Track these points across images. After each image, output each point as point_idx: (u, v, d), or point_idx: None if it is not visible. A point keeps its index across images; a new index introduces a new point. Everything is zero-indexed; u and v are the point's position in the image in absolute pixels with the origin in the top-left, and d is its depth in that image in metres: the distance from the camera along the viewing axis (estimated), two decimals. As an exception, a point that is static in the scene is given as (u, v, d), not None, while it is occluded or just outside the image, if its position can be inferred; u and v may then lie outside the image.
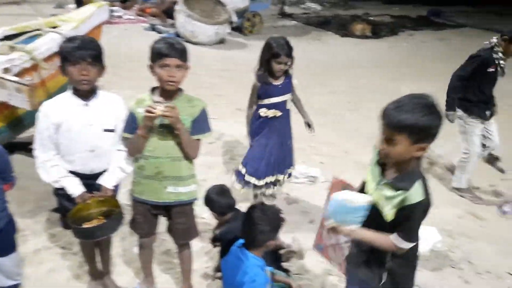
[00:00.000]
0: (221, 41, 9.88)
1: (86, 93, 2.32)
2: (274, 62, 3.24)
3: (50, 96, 4.36)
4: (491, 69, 4.15)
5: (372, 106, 5.34)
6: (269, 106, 3.43)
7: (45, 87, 4.14)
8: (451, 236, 3.72)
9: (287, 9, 14.74)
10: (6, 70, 3.60)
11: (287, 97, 3.51)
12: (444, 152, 5.17)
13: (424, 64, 9.60)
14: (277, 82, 3.42)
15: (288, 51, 3.18)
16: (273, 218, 2.35)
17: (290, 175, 3.85)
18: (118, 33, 9.48)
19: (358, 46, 11.26)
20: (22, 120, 3.95)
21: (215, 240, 2.97)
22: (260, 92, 3.41)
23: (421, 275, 2.99)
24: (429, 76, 8.16)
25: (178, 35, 9.68)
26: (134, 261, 3.06)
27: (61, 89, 4.72)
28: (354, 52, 10.59)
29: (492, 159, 5.00)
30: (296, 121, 6.04)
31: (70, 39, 2.25)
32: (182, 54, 2.23)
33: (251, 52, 9.73)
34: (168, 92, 2.29)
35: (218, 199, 2.87)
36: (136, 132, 2.28)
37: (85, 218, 2.35)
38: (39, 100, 3.70)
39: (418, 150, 1.69)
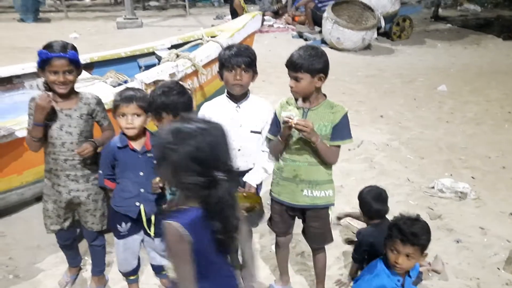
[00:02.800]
0: (367, 47, 9.70)
1: (238, 96, 2.54)
2: None
3: (206, 99, 4.87)
4: None
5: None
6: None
7: (203, 91, 4.62)
8: None
9: (442, 12, 13.78)
10: (172, 75, 4.11)
11: None
12: None
13: None
14: None
15: None
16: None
17: None
18: (269, 41, 10.01)
19: (524, 50, 10.01)
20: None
21: (353, 240, 2.97)
22: None
23: None
24: None
25: (324, 41, 9.81)
26: (271, 258, 3.22)
27: (216, 94, 5.24)
28: (518, 57, 9.44)
29: None
30: (448, 131, 5.71)
31: (228, 47, 2.51)
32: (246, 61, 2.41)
33: (397, 58, 9.38)
34: (308, 99, 2.39)
35: (372, 203, 2.82)
36: (278, 135, 2.43)
37: None
38: (197, 102, 4.17)
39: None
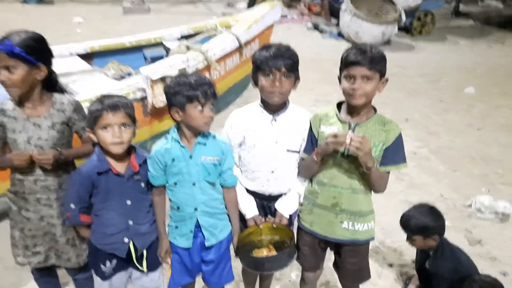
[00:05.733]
0: (387, 42, 9.18)
1: (276, 107, 2.06)
2: None
3: (218, 97, 4.40)
4: None
5: None
6: None
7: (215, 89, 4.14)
8: None
9: (463, 8, 13.18)
10: (182, 71, 3.64)
11: None
12: None
13: None
14: None
15: None
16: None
17: None
18: (282, 32, 9.48)
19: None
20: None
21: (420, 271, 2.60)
22: None
23: None
24: None
25: (340, 35, 9.29)
26: (291, 287, 2.78)
27: (229, 92, 4.78)
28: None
29: None
30: (480, 139, 5.23)
31: (265, 47, 2.01)
32: (288, 65, 1.93)
33: (419, 55, 8.88)
34: (358, 111, 1.92)
35: (428, 218, 2.49)
36: (312, 153, 1.96)
37: (255, 244, 2.13)
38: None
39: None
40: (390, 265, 3.06)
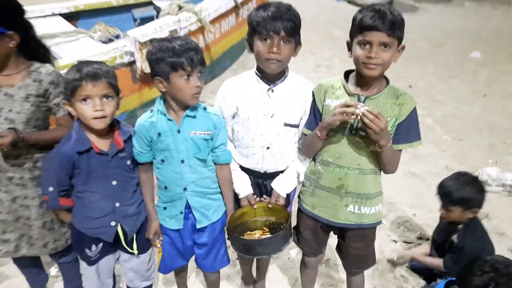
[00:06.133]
0: (389, 3, 8.76)
1: (273, 76, 1.82)
2: None
3: (212, 62, 4.14)
4: None
5: None
6: None
7: (209, 52, 3.88)
8: None
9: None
10: (173, 32, 3.37)
11: None
12: None
13: None
14: None
15: None
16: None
17: None
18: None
19: None
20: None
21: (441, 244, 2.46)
22: None
23: None
24: None
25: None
26: (290, 268, 2.64)
27: (224, 56, 4.51)
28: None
29: None
30: (486, 107, 5.01)
31: (262, 6, 1.73)
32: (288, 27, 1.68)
33: (422, 17, 8.55)
34: (369, 82, 1.69)
35: (473, 190, 2.27)
36: (315, 129, 1.75)
37: (248, 226, 1.95)
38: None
39: None
40: (394, 242, 2.91)
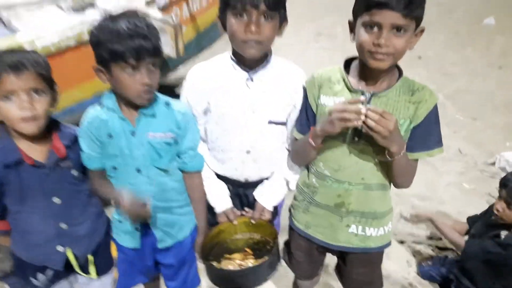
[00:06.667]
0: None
1: (252, 61, 1.43)
2: None
3: (200, 35, 3.69)
4: None
5: None
6: None
7: (195, 23, 3.43)
8: None
9: None
10: (150, 2, 2.93)
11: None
12: None
13: None
14: None
15: None
16: None
17: None
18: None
19: None
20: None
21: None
22: None
23: None
24: None
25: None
26: (283, 276, 2.31)
27: (212, 27, 4.05)
28: None
29: None
30: (502, 81, 4.58)
31: None
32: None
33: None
34: (377, 75, 1.30)
35: None
36: (308, 133, 1.38)
37: (226, 247, 1.61)
38: (186, 41, 3.03)
39: None
40: (401, 242, 2.59)
